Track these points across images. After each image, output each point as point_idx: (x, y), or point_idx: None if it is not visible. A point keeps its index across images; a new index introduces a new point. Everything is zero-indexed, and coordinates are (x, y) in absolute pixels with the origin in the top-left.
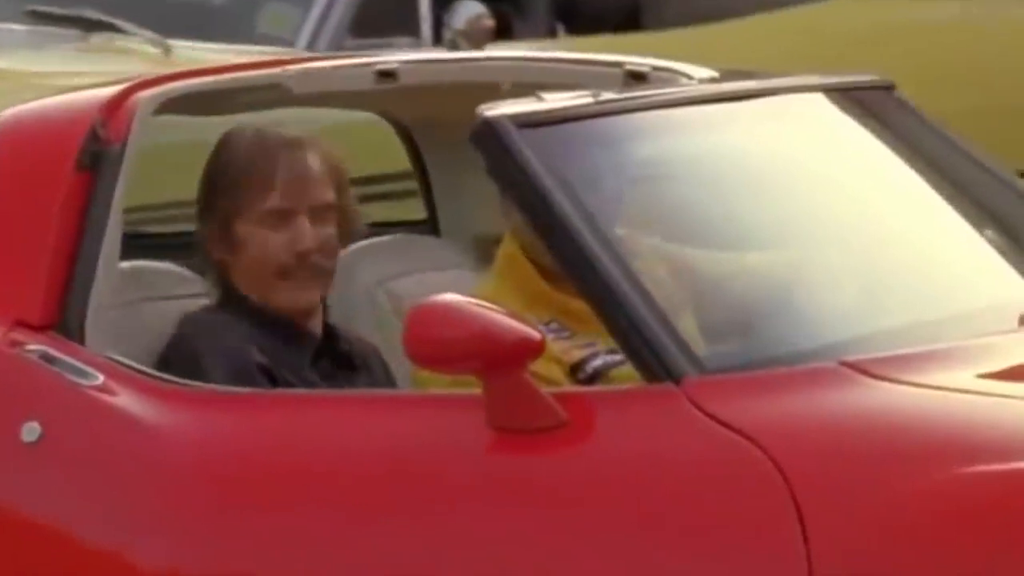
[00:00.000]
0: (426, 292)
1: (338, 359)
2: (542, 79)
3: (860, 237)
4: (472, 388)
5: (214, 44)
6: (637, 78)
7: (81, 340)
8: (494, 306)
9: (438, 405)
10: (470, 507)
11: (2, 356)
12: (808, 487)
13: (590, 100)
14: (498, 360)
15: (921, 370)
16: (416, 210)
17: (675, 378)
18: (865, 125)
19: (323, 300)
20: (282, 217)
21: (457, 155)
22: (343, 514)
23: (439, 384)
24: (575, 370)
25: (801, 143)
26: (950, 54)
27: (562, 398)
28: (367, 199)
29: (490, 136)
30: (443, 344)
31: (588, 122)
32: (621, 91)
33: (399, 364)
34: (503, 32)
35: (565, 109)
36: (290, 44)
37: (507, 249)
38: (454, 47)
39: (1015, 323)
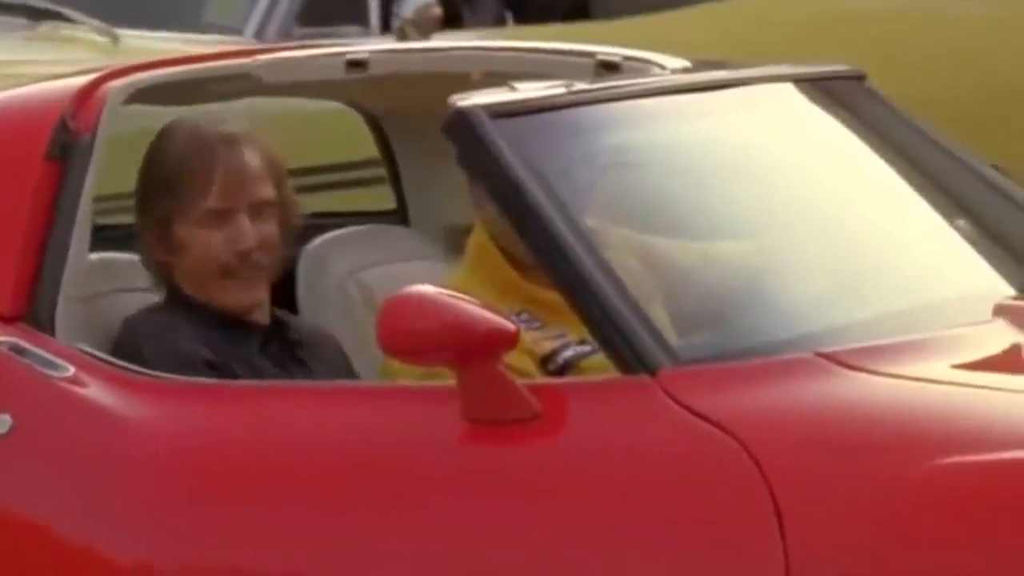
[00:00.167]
0: (396, 283)
1: (287, 346)
2: (513, 69)
3: (832, 227)
4: (442, 380)
5: (162, 33)
6: (609, 68)
7: (51, 331)
8: (468, 297)
9: (412, 396)
10: (444, 498)
11: None
12: (784, 479)
13: (563, 90)
14: (471, 351)
15: (896, 361)
16: (384, 198)
17: (650, 370)
18: (836, 115)
19: (279, 288)
20: (221, 216)
21: (427, 145)
22: (316, 506)
23: (410, 376)
24: (546, 361)
25: (773, 133)
26: (899, 43)
27: (536, 389)
28: (335, 186)
29: (463, 126)
30: (416, 336)
31: (561, 112)
32: (594, 81)
33: (370, 355)
34: (452, 21)
35: (538, 99)
36: (238, 32)
37: (478, 239)
38: (402, 35)
39: (988, 313)
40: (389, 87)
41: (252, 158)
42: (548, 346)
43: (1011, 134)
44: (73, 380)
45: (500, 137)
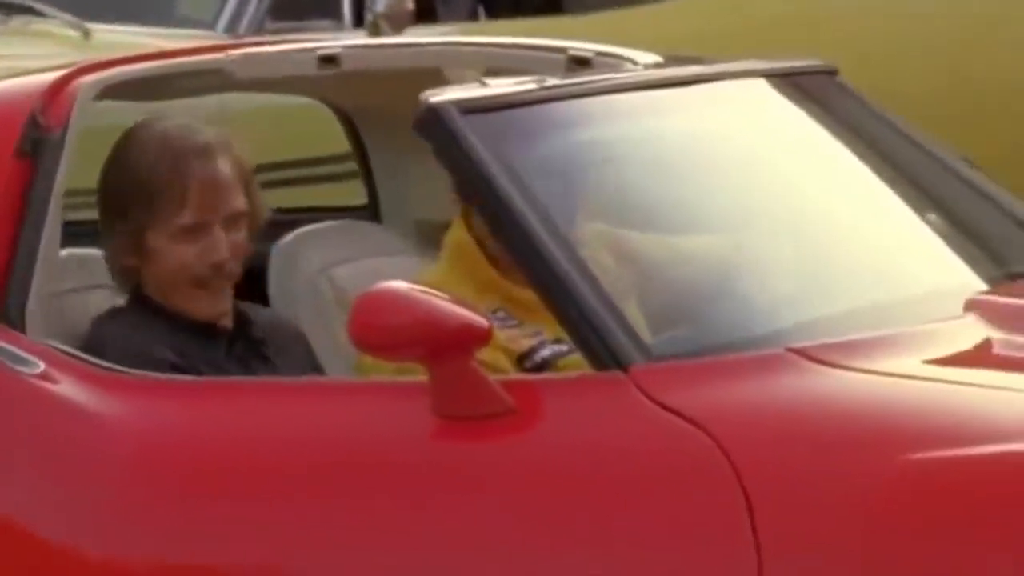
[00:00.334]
0: (368, 279)
1: (252, 345)
2: (484, 64)
3: (805, 222)
4: (415, 375)
5: (134, 27)
6: (581, 63)
7: (22, 328)
8: (440, 293)
9: (384, 392)
10: (416, 494)
11: None
12: (756, 474)
13: (534, 86)
14: (443, 347)
15: (868, 356)
16: (356, 193)
17: (622, 365)
18: (808, 110)
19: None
20: (196, 230)
21: (399, 141)
22: (288, 502)
23: (383, 372)
24: (522, 359)
25: (745, 128)
26: (876, 38)
27: (509, 385)
28: (306, 181)
29: (434, 122)
30: (388, 331)
31: (533, 108)
32: (565, 77)
33: (342, 352)
34: (425, 15)
35: (509, 95)
36: (210, 27)
37: (456, 235)
38: (375, 30)
39: (960, 309)
40: (361, 83)
41: (225, 168)
42: (525, 344)
43: (979, 129)
44: (43, 376)
45: (471, 133)
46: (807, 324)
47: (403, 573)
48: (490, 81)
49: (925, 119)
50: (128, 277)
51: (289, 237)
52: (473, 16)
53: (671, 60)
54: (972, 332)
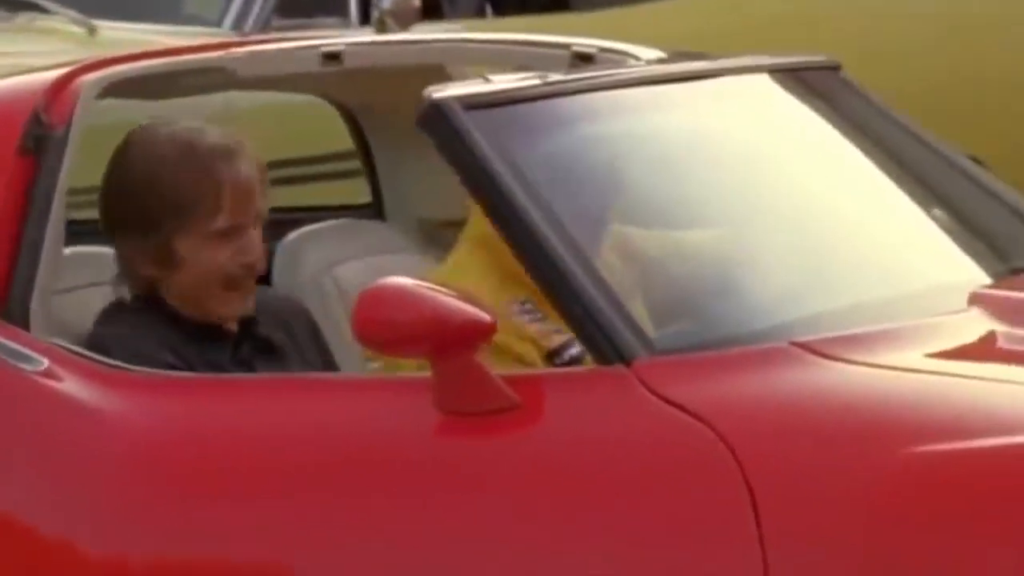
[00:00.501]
0: (372, 276)
1: (257, 343)
2: (488, 60)
3: (809, 217)
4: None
5: (140, 24)
6: (584, 59)
7: (25, 325)
8: (445, 289)
9: (388, 388)
10: (420, 490)
11: None
12: (761, 469)
13: (537, 82)
14: (447, 343)
15: (872, 350)
16: (360, 191)
17: (626, 360)
18: (812, 105)
19: None
20: (230, 233)
21: (402, 138)
22: (292, 499)
23: (406, 367)
24: (552, 355)
25: (749, 123)
26: (875, 37)
27: (512, 381)
28: (310, 179)
29: (437, 118)
30: (392, 327)
31: (536, 104)
32: (568, 72)
33: (346, 349)
34: (431, 12)
35: (512, 91)
36: (216, 24)
37: (479, 228)
38: (381, 27)
39: (964, 303)
40: (364, 80)
41: (250, 170)
42: (557, 340)
43: (979, 128)
44: (46, 374)
45: (475, 129)
46: (811, 318)
47: (407, 569)
48: (493, 77)
49: (924, 118)
50: (146, 287)
51: (293, 235)
52: (480, 13)
53: (674, 56)
54: (976, 326)
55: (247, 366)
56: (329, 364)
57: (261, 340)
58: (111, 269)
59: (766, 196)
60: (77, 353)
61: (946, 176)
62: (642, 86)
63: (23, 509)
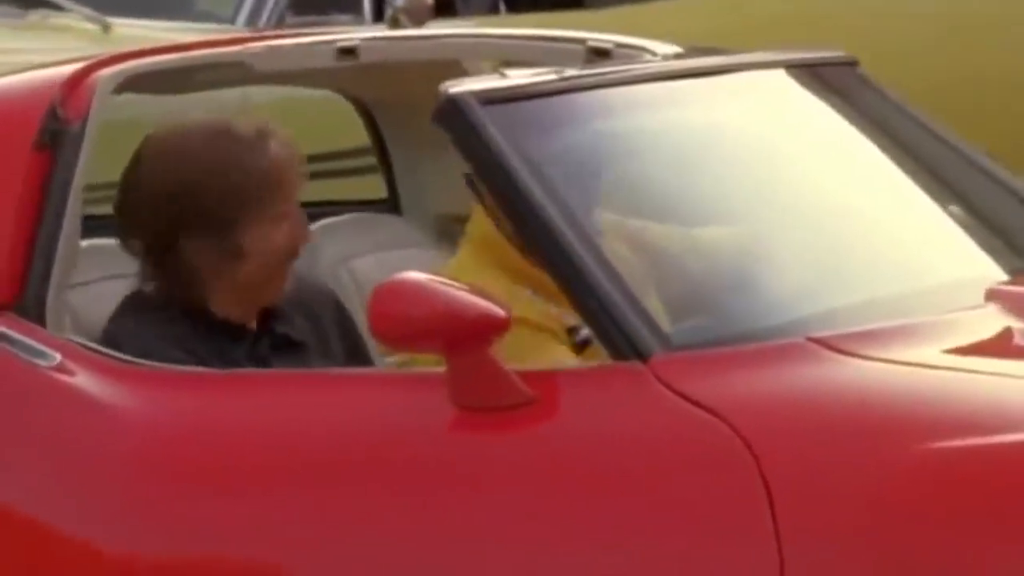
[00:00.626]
0: (388, 271)
1: (276, 340)
2: (503, 56)
3: (825, 213)
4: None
5: (153, 21)
6: (600, 54)
7: (41, 320)
8: (458, 284)
9: (402, 383)
10: (435, 485)
11: None
12: (777, 464)
13: (554, 77)
14: (461, 337)
15: (888, 346)
16: (376, 188)
17: (642, 356)
18: (828, 101)
19: None
20: (287, 214)
21: (418, 133)
22: (305, 494)
23: (426, 363)
24: (571, 332)
25: (765, 119)
26: (876, 36)
27: (527, 376)
28: (327, 175)
29: (454, 113)
30: (406, 322)
31: (552, 99)
32: (584, 68)
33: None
34: (444, 9)
35: (529, 86)
36: (230, 21)
37: (482, 227)
38: (395, 24)
39: (981, 298)
40: (380, 75)
41: (286, 147)
42: (571, 320)
43: (979, 128)
44: (59, 368)
45: (491, 124)
46: (827, 314)
47: (424, 564)
48: (509, 72)
49: (937, 115)
50: (188, 288)
51: (310, 229)
52: (494, 11)
53: (690, 51)
54: (993, 322)
55: (263, 363)
56: (355, 347)
57: (280, 336)
58: (128, 263)
59: (782, 192)
60: (90, 348)
61: (963, 172)
62: (658, 81)
63: (36, 504)
